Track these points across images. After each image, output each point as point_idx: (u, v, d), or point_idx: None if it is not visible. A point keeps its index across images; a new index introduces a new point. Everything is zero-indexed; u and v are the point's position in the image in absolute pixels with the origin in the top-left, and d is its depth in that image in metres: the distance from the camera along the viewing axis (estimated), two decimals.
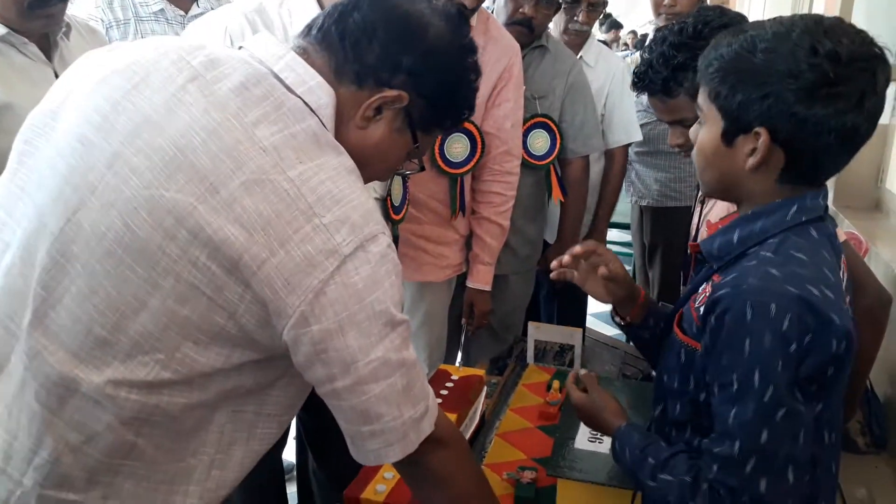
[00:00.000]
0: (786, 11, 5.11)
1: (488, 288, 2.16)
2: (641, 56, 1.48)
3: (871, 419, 1.65)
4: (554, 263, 1.35)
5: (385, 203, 1.69)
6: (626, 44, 11.06)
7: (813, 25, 0.93)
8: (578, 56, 2.51)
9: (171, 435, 0.91)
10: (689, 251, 1.27)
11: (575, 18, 2.48)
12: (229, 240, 0.82)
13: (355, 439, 0.95)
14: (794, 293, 0.91)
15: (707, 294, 1.03)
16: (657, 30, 1.51)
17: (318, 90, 0.92)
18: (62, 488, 0.89)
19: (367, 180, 0.99)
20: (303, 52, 0.95)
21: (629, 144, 2.57)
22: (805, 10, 4.56)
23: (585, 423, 1.27)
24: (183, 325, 0.85)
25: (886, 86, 0.95)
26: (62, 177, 0.87)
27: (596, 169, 2.53)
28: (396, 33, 0.94)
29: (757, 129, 0.95)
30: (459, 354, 2.52)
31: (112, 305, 0.85)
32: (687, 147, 1.43)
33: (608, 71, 2.52)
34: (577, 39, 2.55)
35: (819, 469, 1.00)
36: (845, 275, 1.06)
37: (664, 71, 1.37)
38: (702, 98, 1.03)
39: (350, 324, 0.86)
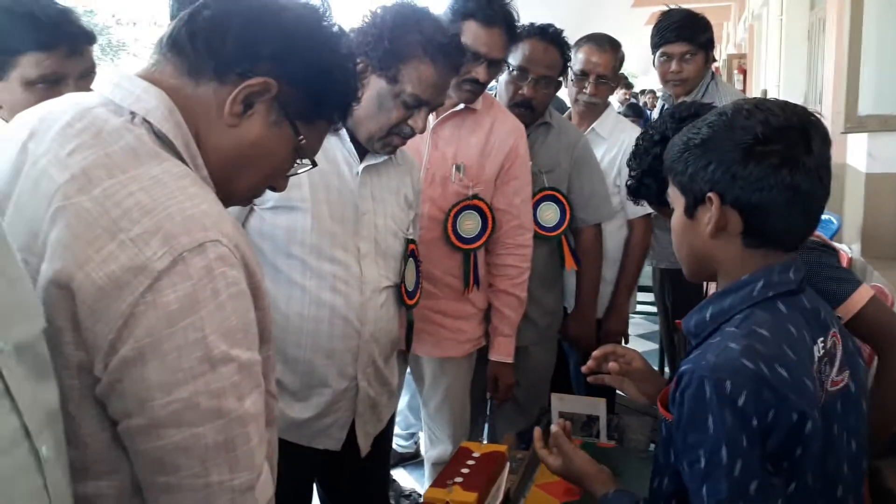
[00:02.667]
0: (801, 60, 5.15)
1: (511, 360, 2.16)
2: (628, 164, 1.49)
3: None
4: (584, 369, 1.45)
5: (399, 290, 1.69)
6: (646, 103, 11.01)
7: (753, 100, 1.03)
8: (591, 128, 2.55)
9: None
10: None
11: (584, 90, 2.52)
12: (45, 282, 0.76)
13: (149, 493, 0.81)
14: (751, 369, 0.93)
15: None
16: (640, 136, 1.49)
17: (144, 96, 0.86)
18: None
19: (255, 184, 0.97)
20: (154, 66, 0.91)
21: (650, 214, 2.47)
22: (818, 62, 4.66)
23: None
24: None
25: (825, 147, 1.00)
26: None
27: (618, 239, 2.52)
28: (250, 21, 0.90)
29: (708, 194, 1.02)
30: (486, 429, 2.50)
31: None
32: None
33: (622, 143, 2.49)
34: (588, 111, 2.57)
35: None
36: (838, 347, 1.07)
37: (654, 184, 1.38)
38: (669, 186, 1.11)
39: (152, 352, 0.74)
